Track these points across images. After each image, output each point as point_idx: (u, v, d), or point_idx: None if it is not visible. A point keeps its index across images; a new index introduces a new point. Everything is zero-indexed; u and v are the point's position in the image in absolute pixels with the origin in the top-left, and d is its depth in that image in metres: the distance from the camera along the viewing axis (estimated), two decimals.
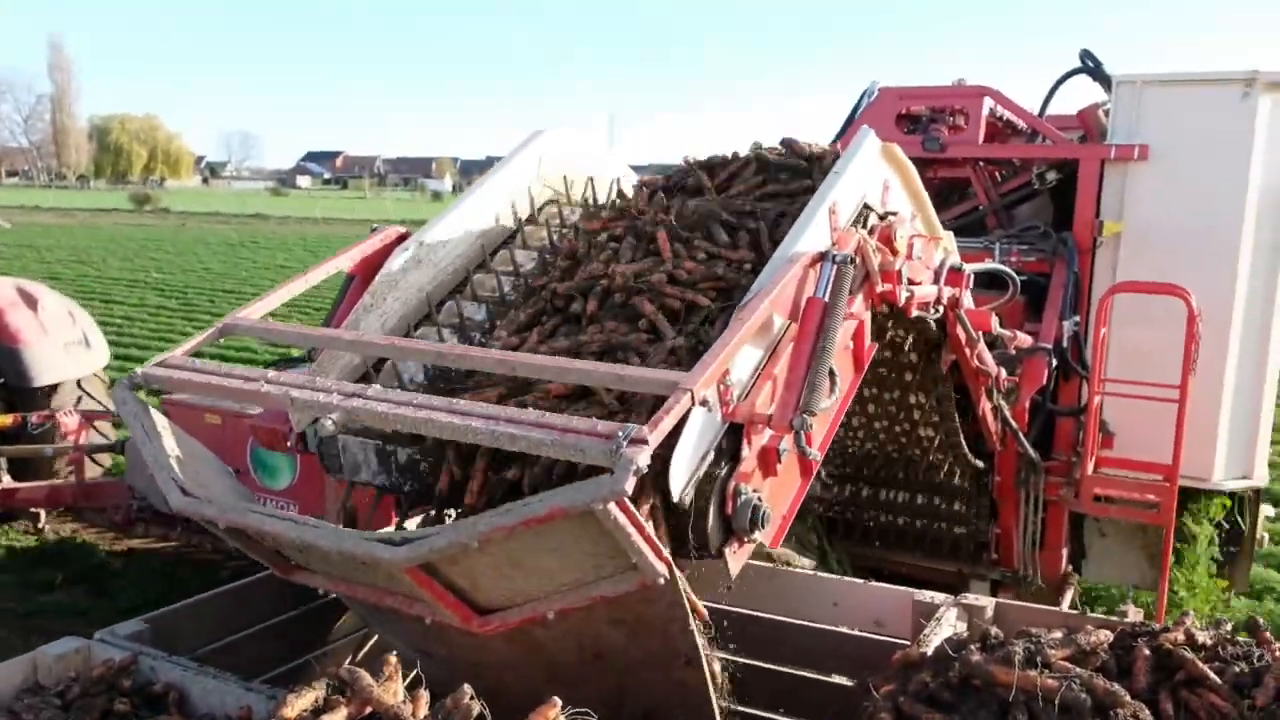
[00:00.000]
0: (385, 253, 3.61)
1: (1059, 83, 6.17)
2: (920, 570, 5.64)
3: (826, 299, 2.87)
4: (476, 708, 2.38)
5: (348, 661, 3.84)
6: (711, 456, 2.62)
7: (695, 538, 2.63)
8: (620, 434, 2.23)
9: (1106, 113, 5.70)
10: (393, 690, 2.52)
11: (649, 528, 2.37)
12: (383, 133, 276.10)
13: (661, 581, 2.43)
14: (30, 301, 7.96)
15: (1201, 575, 5.75)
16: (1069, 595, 5.76)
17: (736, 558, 2.73)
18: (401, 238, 3.69)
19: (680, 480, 2.51)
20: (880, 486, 5.68)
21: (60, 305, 8.23)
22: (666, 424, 2.31)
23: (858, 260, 3.06)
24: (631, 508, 2.28)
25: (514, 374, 2.79)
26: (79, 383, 7.95)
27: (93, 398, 8.01)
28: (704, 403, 2.46)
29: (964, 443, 5.04)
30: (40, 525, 7.83)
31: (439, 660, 3.17)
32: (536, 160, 4.09)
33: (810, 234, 3.06)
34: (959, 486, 5.48)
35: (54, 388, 7.78)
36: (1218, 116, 5.32)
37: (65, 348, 7.82)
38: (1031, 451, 5.28)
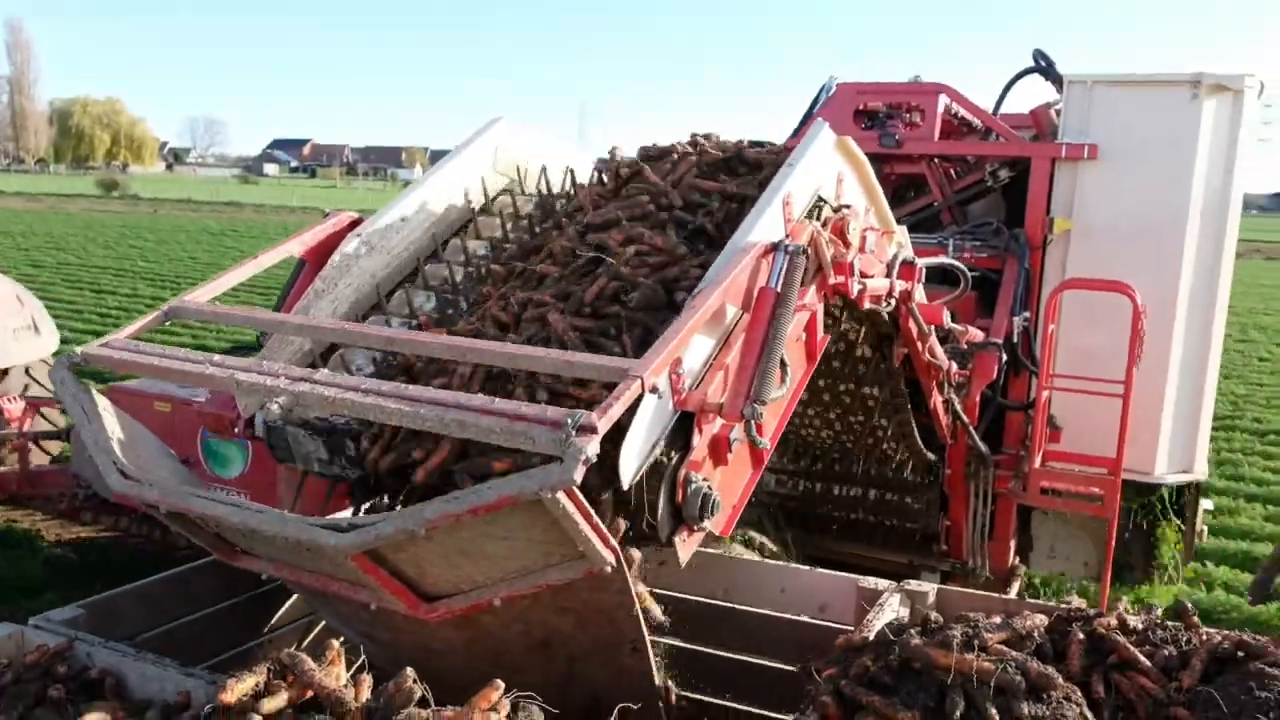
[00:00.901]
0: (338, 238, 3.58)
1: (1013, 81, 6.27)
2: (871, 561, 5.72)
3: (779, 289, 2.88)
4: (418, 691, 2.38)
5: (292, 648, 3.83)
6: (662, 445, 2.62)
7: (645, 526, 2.64)
8: (569, 421, 2.22)
9: (1059, 112, 5.80)
10: (335, 674, 2.51)
11: (596, 516, 2.38)
12: (351, 120, 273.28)
13: (609, 569, 2.44)
14: None
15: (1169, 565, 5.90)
16: (1015, 586, 5.86)
17: (686, 546, 2.74)
18: (354, 223, 3.67)
19: (630, 468, 2.52)
20: (833, 478, 5.75)
21: (8, 290, 8.05)
22: (615, 410, 2.31)
23: (810, 251, 3.08)
24: (580, 496, 2.28)
25: (464, 359, 2.77)
26: (27, 369, 7.79)
27: (40, 384, 7.85)
28: (654, 390, 2.46)
29: (917, 436, 5.11)
30: None
31: (384, 645, 3.15)
32: (492, 148, 4.09)
33: (764, 224, 3.08)
34: (910, 479, 5.56)
35: (1, 374, 7.63)
36: (1164, 117, 5.43)
37: (13, 333, 7.66)
38: (981, 445, 5.36)
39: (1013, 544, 5.99)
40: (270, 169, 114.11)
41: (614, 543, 2.44)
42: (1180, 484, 5.90)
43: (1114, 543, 5.29)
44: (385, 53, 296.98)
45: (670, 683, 3.16)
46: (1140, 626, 3.11)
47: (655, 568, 3.99)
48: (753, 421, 2.66)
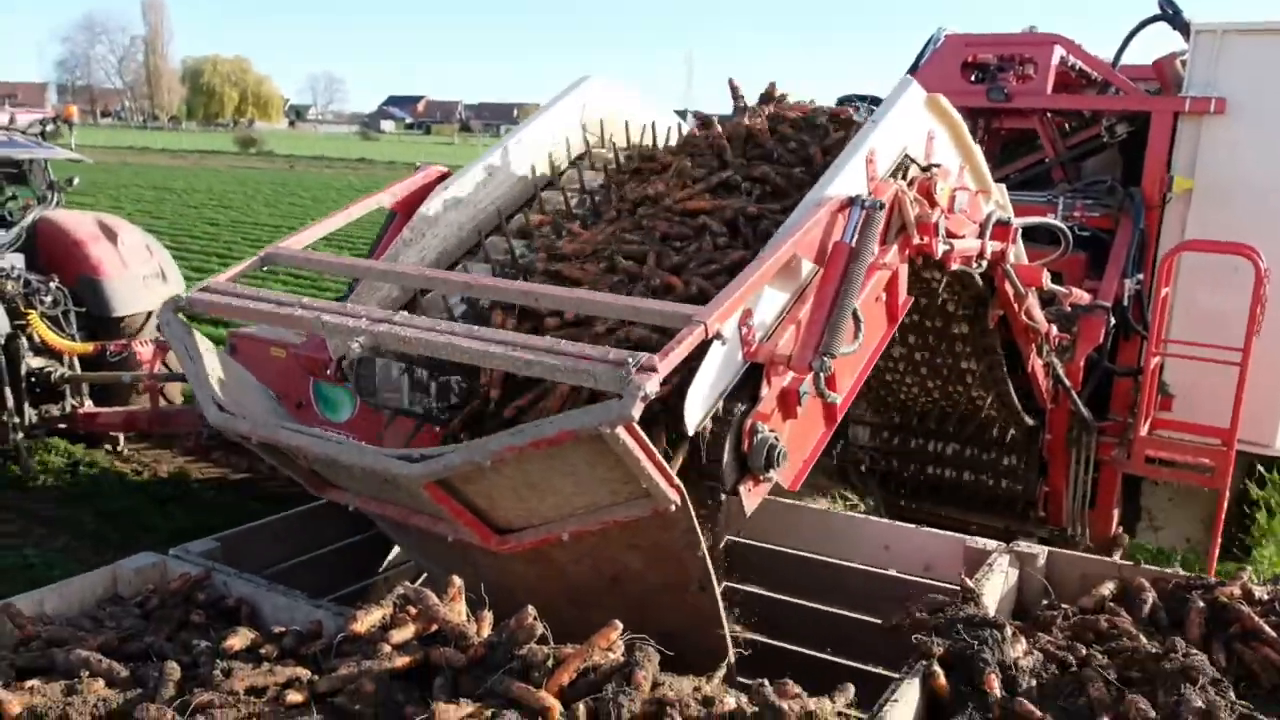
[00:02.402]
0: (426, 191, 3.68)
1: (1135, 30, 5.94)
2: (966, 525, 5.62)
3: (853, 244, 2.86)
4: (539, 628, 2.45)
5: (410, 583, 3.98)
6: (730, 394, 2.64)
7: (710, 474, 2.66)
8: (631, 360, 2.26)
9: (1184, 63, 5.49)
10: (457, 610, 2.62)
11: (659, 455, 2.39)
12: (464, 78, 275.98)
13: (673, 508, 2.46)
14: (111, 235, 8.29)
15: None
16: (1117, 557, 5.68)
17: (751, 496, 2.75)
18: (442, 176, 3.76)
19: (696, 414, 2.54)
20: (929, 439, 5.65)
21: (139, 239, 8.55)
22: (677, 354, 2.33)
23: (888, 205, 3.01)
24: (640, 433, 2.30)
25: (537, 304, 2.84)
26: (156, 314, 8.26)
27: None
28: (718, 336, 2.46)
29: (1014, 398, 4.99)
30: (119, 448, 8.26)
31: (464, 578, 3.28)
32: (580, 107, 4.11)
33: (844, 179, 3.03)
34: (1009, 442, 5.43)
35: (133, 318, 8.12)
36: None
37: (143, 280, 8.16)
38: (1084, 410, 5.19)
39: (1116, 513, 5.81)
40: (386, 125, 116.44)
41: (678, 482, 2.45)
42: None
43: (1224, 516, 5.08)
44: (496, 7, 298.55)
45: (734, 629, 3.18)
46: (1265, 597, 3.05)
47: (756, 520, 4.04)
48: (821, 374, 2.64)
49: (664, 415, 2.56)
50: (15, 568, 6.08)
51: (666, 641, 3.09)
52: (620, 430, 2.24)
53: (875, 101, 6.31)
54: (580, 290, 2.86)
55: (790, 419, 2.80)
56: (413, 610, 2.60)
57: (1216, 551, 5.08)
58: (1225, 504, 5.04)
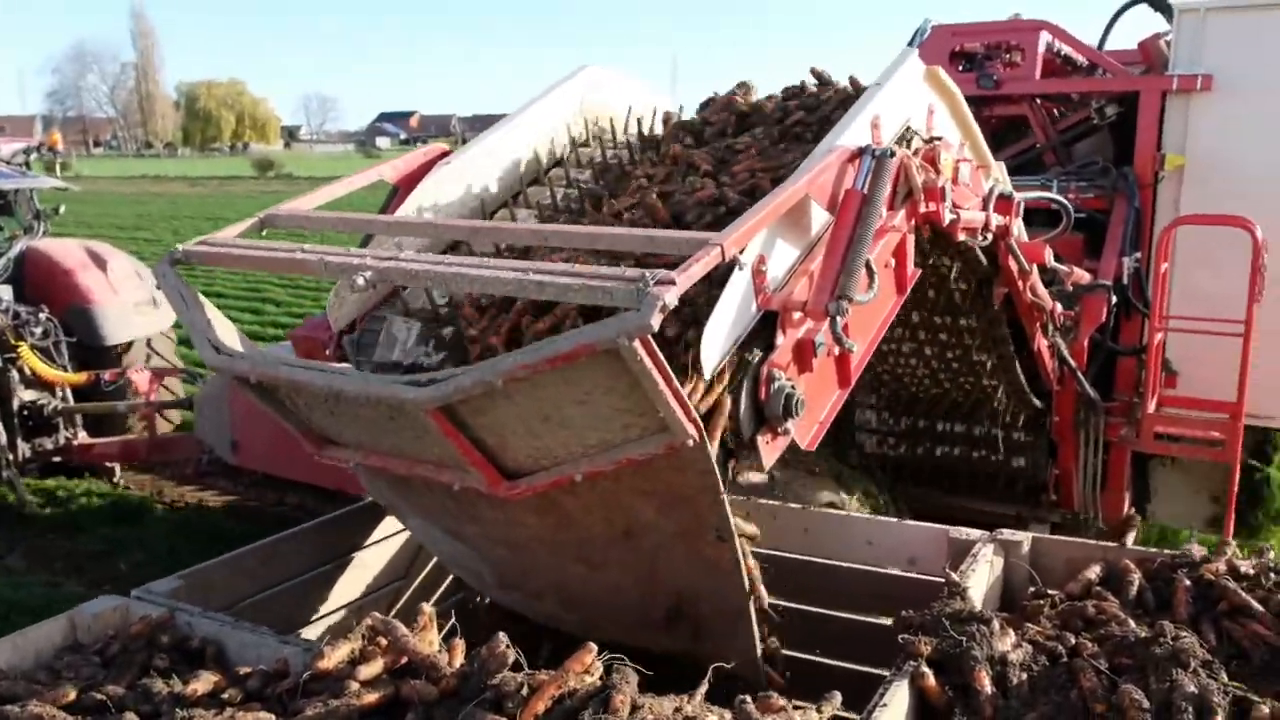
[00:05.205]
0: (427, 168, 3.69)
1: (1119, 13, 5.99)
2: (979, 514, 5.63)
3: (865, 191, 2.82)
4: (512, 655, 2.33)
5: (384, 614, 3.86)
6: (745, 342, 2.58)
7: (728, 425, 2.58)
8: (647, 275, 2.17)
9: (1169, 43, 5.53)
10: (428, 640, 2.53)
11: (676, 381, 2.30)
12: (457, 91, 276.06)
13: (690, 443, 2.35)
14: (99, 262, 8.17)
15: None
16: (1131, 537, 5.68)
17: (769, 449, 2.66)
18: (444, 154, 3.78)
19: (713, 354, 2.45)
20: (938, 429, 5.67)
21: (128, 266, 8.42)
22: (695, 270, 2.24)
23: (900, 176, 3.00)
24: (658, 353, 2.21)
25: (547, 243, 2.75)
26: (148, 341, 8.15)
27: (160, 355, 8.22)
28: (735, 262, 2.38)
29: (1022, 381, 5.01)
30: (115, 479, 8.15)
31: (471, 540, 3.17)
32: (579, 97, 4.09)
33: (850, 136, 3.02)
34: (1017, 427, 5.45)
35: (125, 346, 8.00)
36: None
37: (135, 307, 8.03)
38: (1091, 390, 5.22)
39: (1128, 494, 5.82)
40: (382, 142, 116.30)
41: (695, 415, 2.35)
42: None
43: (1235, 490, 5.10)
44: (488, 21, 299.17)
45: (763, 589, 3.08)
46: (1251, 572, 3.00)
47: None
48: (838, 319, 2.58)
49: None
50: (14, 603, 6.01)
51: (678, 603, 2.96)
52: (637, 344, 2.14)
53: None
54: (590, 227, 2.77)
55: (805, 373, 2.73)
56: (382, 642, 2.48)
57: (1231, 525, 5.10)
58: (1236, 477, 5.06)
